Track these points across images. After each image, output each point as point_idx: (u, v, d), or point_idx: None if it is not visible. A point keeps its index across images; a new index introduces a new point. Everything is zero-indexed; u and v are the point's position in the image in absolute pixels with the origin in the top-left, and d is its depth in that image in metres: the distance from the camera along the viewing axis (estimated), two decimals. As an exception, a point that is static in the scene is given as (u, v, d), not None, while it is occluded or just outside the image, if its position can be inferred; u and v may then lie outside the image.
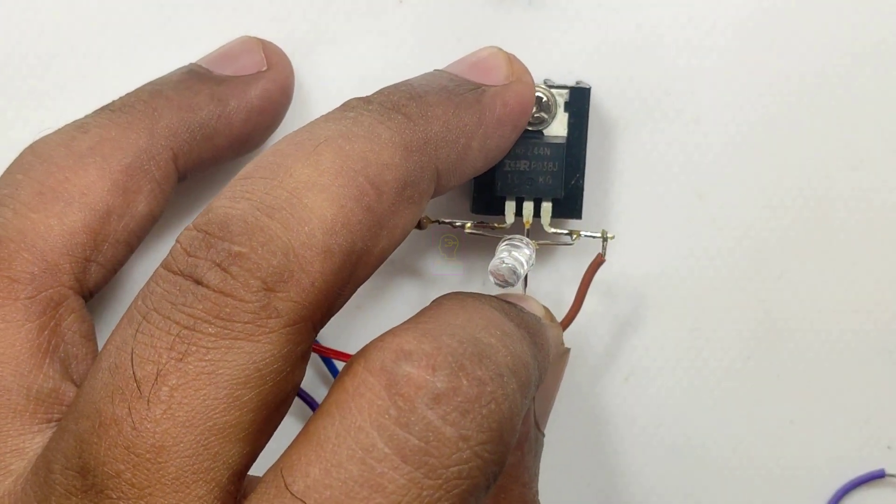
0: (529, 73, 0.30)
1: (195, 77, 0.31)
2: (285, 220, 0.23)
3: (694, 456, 0.37)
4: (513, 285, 0.32)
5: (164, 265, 0.24)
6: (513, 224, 0.34)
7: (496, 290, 0.32)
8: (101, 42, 0.35)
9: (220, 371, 0.22)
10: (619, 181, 0.36)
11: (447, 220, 0.34)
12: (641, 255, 0.37)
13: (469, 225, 0.35)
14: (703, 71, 0.36)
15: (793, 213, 0.36)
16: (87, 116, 0.30)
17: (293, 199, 0.24)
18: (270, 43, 0.33)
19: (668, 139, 0.36)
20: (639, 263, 0.37)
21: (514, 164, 0.34)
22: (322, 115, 0.26)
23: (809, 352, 0.37)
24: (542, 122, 0.34)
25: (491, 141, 0.29)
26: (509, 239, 0.34)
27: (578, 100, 0.34)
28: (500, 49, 0.30)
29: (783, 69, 0.36)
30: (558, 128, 0.34)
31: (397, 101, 0.26)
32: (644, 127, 0.36)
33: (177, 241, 0.24)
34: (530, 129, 0.34)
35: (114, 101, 0.30)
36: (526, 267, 0.33)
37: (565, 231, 0.35)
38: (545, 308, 0.31)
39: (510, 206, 0.34)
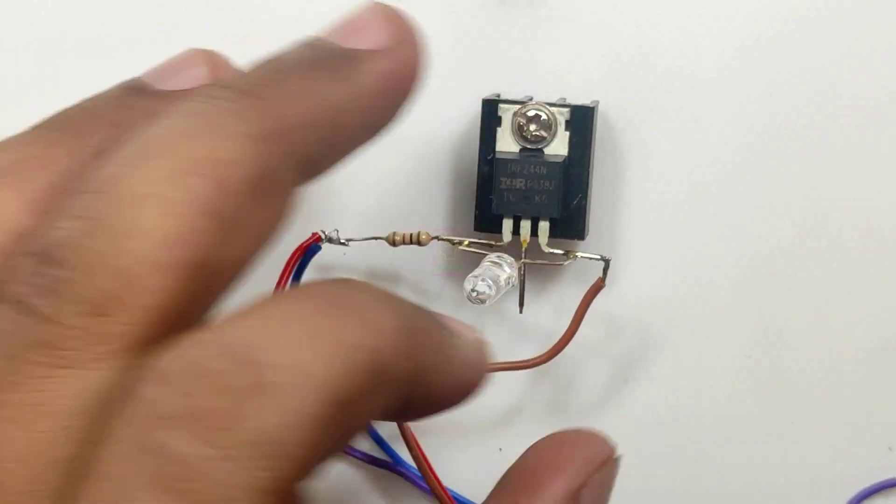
0: (414, 33, 0.24)
1: (133, 92, 0.28)
2: (114, 238, 0.22)
3: (694, 457, 0.37)
4: (483, 303, 0.32)
5: None
6: (510, 242, 0.34)
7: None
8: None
9: (53, 402, 0.21)
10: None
11: (445, 237, 0.35)
12: (642, 255, 0.36)
13: (466, 242, 0.35)
14: (704, 70, 0.35)
15: (794, 216, 0.36)
16: (12, 136, 0.28)
17: (123, 213, 0.22)
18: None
19: (667, 141, 0.36)
20: (640, 264, 0.36)
21: (511, 182, 0.33)
22: (166, 109, 0.23)
23: (810, 354, 0.37)
24: (542, 140, 0.34)
25: (367, 116, 0.26)
26: (496, 257, 0.33)
27: (581, 119, 0.33)
28: (380, 4, 0.24)
29: (785, 75, 0.35)
30: (559, 146, 0.34)
31: (252, 83, 0.23)
32: (644, 126, 0.36)
33: (6, 265, 0.22)
34: (529, 147, 0.33)
35: (42, 120, 0.28)
36: (503, 285, 0.32)
37: (561, 252, 0.34)
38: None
39: (507, 225, 0.34)
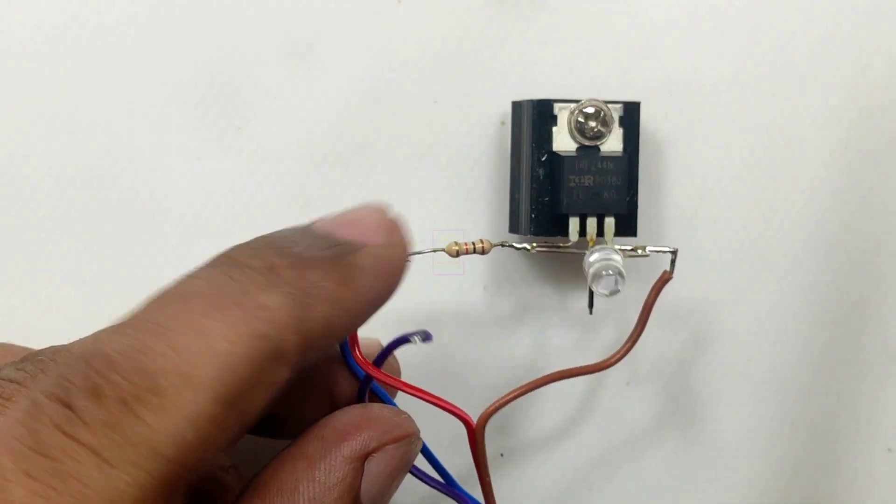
0: (404, 237, 0.27)
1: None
2: None
3: (695, 458, 0.37)
4: (619, 291, 0.32)
5: None
6: (576, 243, 0.33)
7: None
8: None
9: None
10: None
11: (510, 244, 0.34)
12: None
13: (533, 246, 0.34)
14: (704, 71, 0.35)
15: (796, 213, 0.36)
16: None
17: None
18: None
19: (665, 140, 0.36)
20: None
21: (579, 180, 0.32)
22: (196, 269, 0.25)
23: (810, 354, 0.37)
24: (601, 136, 0.33)
25: (373, 297, 0.26)
26: (600, 249, 0.33)
27: (631, 114, 0.33)
28: (379, 208, 0.27)
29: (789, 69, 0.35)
30: (614, 143, 0.33)
31: (272, 262, 0.24)
32: (642, 126, 0.35)
33: None
34: (587, 144, 0.33)
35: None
36: (623, 270, 0.32)
37: (629, 247, 0.33)
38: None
39: (574, 223, 0.33)
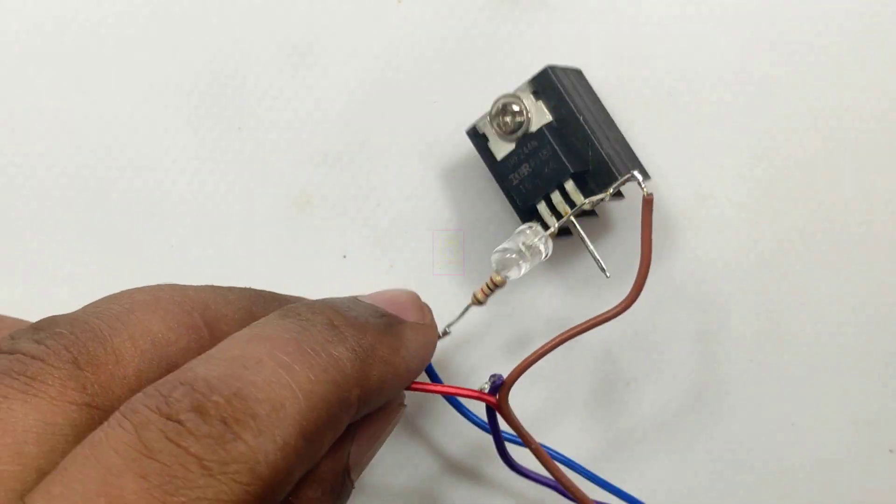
0: (434, 319, 0.31)
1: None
2: (111, 321, 0.26)
3: (695, 459, 0.37)
4: (509, 274, 0.32)
5: None
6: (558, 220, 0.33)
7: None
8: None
9: (11, 420, 0.23)
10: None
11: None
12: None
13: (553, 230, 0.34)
14: (705, 70, 0.35)
15: (795, 215, 0.36)
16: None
17: (124, 310, 0.26)
18: None
19: (664, 139, 0.35)
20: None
21: (518, 174, 0.33)
22: (265, 319, 0.27)
23: (812, 355, 0.37)
24: (522, 123, 0.33)
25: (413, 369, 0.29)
26: (525, 227, 0.33)
27: (544, 82, 0.33)
28: (414, 294, 0.31)
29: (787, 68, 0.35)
30: (542, 117, 0.33)
31: (333, 321, 0.27)
32: (643, 127, 0.35)
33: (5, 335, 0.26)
34: (521, 135, 0.33)
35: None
36: (523, 249, 0.32)
37: (599, 197, 0.32)
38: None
39: (543, 209, 0.33)
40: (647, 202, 0.31)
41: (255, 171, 0.35)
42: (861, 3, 0.35)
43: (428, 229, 0.35)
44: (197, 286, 0.27)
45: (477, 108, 0.34)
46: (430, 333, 0.30)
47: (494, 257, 0.32)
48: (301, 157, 0.35)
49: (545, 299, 0.36)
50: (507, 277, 0.32)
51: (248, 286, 0.29)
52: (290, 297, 0.30)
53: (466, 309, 0.34)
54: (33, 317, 0.35)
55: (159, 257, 0.35)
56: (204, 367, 0.24)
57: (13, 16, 0.35)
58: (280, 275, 0.35)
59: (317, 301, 0.28)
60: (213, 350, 0.25)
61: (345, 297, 0.29)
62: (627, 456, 0.36)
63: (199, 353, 0.25)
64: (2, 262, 0.35)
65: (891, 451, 0.36)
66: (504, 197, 0.34)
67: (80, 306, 0.36)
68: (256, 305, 0.28)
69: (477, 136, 0.34)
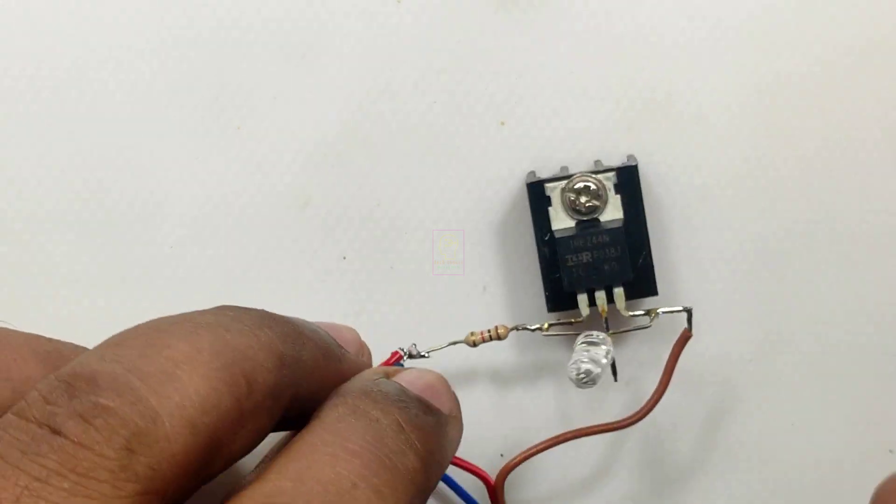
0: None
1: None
2: (157, 386, 0.22)
3: (695, 459, 0.37)
4: (594, 384, 0.32)
5: (16, 412, 0.22)
6: (588, 315, 0.34)
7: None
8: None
9: None
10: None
11: (523, 326, 0.34)
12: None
13: (546, 326, 0.34)
14: (704, 70, 0.35)
15: (795, 216, 0.36)
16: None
17: (167, 368, 0.23)
18: None
19: (663, 138, 0.35)
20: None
21: (577, 258, 0.33)
22: (341, 420, 0.26)
23: (812, 355, 0.37)
24: (596, 209, 0.34)
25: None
26: (586, 335, 0.33)
27: (628, 179, 0.34)
28: (443, 378, 0.30)
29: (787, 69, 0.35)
30: (613, 211, 0.34)
31: (398, 421, 0.27)
32: (644, 129, 0.35)
33: (34, 388, 0.22)
34: (585, 218, 0.34)
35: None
36: (605, 361, 0.32)
37: (642, 312, 0.34)
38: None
39: (583, 300, 0.33)
40: (685, 338, 0.33)
41: (255, 171, 0.35)
42: (861, 3, 0.35)
43: (428, 229, 0.35)
44: (230, 326, 0.25)
45: (477, 108, 0.35)
46: (461, 428, 0.29)
47: (582, 375, 0.32)
48: (301, 157, 0.35)
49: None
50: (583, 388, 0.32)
51: (261, 308, 0.27)
52: (296, 319, 0.28)
53: (455, 343, 0.34)
54: (32, 318, 0.35)
55: (159, 257, 0.35)
56: (304, 497, 0.23)
57: (12, 16, 0.35)
58: (280, 275, 0.35)
59: (373, 390, 0.27)
60: (302, 467, 0.24)
61: (389, 382, 0.28)
62: (627, 456, 0.36)
63: (238, 417, 0.24)
64: (2, 262, 0.35)
65: (891, 451, 0.37)
66: (506, 196, 0.35)
67: (81, 307, 0.36)
68: (284, 344, 0.26)
69: (538, 194, 0.34)
